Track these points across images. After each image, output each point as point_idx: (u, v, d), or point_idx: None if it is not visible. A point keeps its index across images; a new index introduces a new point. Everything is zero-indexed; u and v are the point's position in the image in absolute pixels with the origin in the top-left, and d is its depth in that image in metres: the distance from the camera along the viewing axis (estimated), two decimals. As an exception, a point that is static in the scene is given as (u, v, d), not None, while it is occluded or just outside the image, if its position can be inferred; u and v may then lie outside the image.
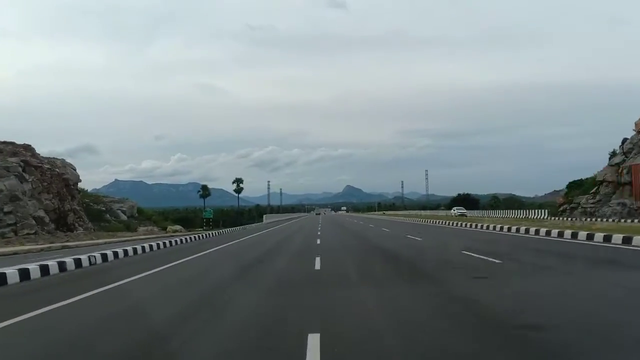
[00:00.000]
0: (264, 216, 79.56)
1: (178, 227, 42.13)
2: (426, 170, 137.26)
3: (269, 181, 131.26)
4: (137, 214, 43.81)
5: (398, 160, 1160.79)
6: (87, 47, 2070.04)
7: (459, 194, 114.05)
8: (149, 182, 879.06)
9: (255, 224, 65.72)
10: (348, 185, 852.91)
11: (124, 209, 41.78)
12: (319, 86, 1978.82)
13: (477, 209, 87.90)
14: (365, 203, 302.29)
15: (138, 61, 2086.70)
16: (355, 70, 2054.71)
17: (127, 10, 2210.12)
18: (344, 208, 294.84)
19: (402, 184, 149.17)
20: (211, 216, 43.83)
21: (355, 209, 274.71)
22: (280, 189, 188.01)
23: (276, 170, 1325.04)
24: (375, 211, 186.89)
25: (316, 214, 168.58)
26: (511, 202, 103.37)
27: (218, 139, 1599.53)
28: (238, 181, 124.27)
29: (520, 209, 68.69)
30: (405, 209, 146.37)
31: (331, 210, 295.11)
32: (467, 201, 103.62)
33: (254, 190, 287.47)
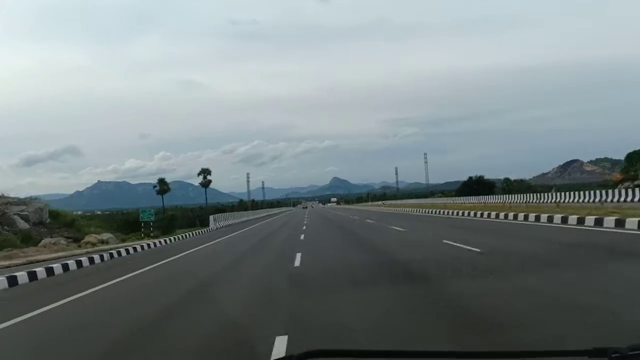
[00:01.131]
0: (211, 217, 47.02)
1: (107, 236, 29.89)
2: (425, 154, 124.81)
3: (248, 173, 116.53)
4: (48, 220, 31.45)
5: (384, 150, 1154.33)
6: (66, 47, 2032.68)
7: (470, 177, 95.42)
8: (133, 182, 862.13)
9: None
10: (335, 177, 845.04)
11: (27, 213, 29.40)
12: (303, 78, 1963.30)
13: (492, 194, 73.42)
14: (353, 194, 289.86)
15: (119, 60, 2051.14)
16: (339, 61, 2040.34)
17: (106, 8, 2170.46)
18: (334, 199, 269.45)
19: (396, 171, 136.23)
20: (152, 218, 31.44)
21: (345, 200, 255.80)
22: (262, 182, 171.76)
23: (262, 165, 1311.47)
24: (367, 202, 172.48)
25: (303, 208, 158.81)
26: (520, 186, 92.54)
27: (202, 135, 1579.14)
28: (204, 172, 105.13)
29: (535, 192, 57.27)
30: (395, 197, 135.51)
31: (319, 202, 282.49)
32: (480, 185, 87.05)
33: (240, 186, 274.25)
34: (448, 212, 37.13)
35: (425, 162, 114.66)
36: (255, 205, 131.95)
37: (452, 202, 67.51)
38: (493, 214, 27.87)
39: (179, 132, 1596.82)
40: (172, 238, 29.08)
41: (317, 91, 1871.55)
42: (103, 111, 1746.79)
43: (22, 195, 34.17)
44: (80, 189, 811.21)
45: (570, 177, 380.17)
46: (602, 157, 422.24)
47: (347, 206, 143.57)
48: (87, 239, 29.03)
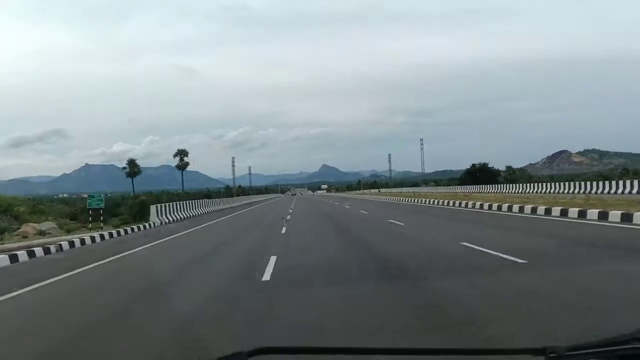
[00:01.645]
0: (153, 208, 31.34)
1: (48, 225, 24.89)
2: (421, 140, 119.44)
3: (233, 158, 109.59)
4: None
5: (375, 138, 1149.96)
6: (57, 29, 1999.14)
7: (473, 165, 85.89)
8: (120, 166, 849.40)
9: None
10: (324, 165, 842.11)
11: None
12: (295, 65, 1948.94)
13: (495, 182, 67.92)
14: (343, 182, 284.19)
15: (110, 43, 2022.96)
16: (331, 48, 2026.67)
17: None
18: (325, 187, 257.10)
19: (389, 158, 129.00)
20: (101, 205, 25.77)
21: (336, 188, 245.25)
22: (249, 167, 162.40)
23: (252, 151, 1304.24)
24: (358, 189, 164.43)
25: (291, 195, 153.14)
26: (522, 174, 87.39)
27: (192, 120, 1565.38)
28: (181, 154, 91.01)
29: (541, 182, 53.27)
30: (388, 186, 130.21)
31: (308, 190, 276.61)
32: (484, 173, 79.63)
33: (230, 172, 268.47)
34: (450, 203, 31.92)
35: (422, 149, 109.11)
36: (241, 191, 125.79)
37: (452, 191, 61.69)
38: (505, 205, 23.42)
39: (168, 117, 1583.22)
40: (126, 229, 23.90)
41: (308, 78, 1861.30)
42: (92, 94, 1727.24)
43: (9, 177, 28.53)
44: (68, 172, 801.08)
45: (559, 168, 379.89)
46: (590, 148, 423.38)
47: (338, 194, 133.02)
48: (23, 228, 24.15)
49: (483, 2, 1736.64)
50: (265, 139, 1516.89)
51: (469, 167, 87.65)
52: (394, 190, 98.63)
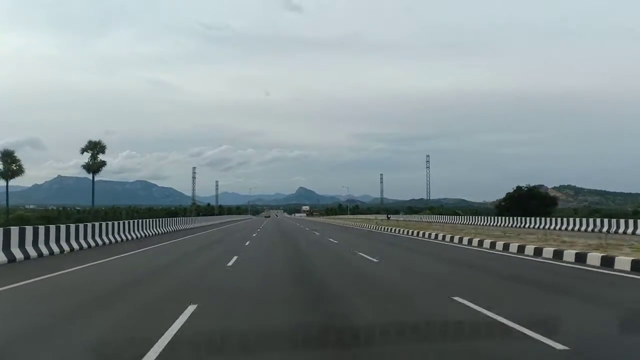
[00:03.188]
0: None
1: None
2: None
3: (194, 168, 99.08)
4: None
5: (352, 163, 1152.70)
6: (35, 38, 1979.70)
7: (519, 187, 66.46)
8: (96, 179, 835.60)
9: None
10: (301, 187, 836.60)
11: None
12: (275, 87, 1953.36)
13: (548, 214, 51.10)
14: (321, 205, 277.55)
15: (89, 54, 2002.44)
16: (311, 72, 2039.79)
17: (78, 1, 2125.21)
18: (306, 208, 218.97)
19: (381, 178, 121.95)
20: None
21: (320, 212, 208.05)
22: (216, 182, 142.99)
23: (229, 170, 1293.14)
24: (343, 214, 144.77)
25: (265, 217, 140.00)
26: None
27: (170, 136, 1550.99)
28: (94, 148, 66.66)
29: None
30: (379, 211, 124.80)
31: (283, 212, 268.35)
32: (535, 199, 61.55)
33: (207, 190, 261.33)
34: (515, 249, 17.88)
35: (428, 170, 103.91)
36: (208, 210, 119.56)
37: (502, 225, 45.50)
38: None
39: (146, 132, 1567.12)
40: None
41: (288, 100, 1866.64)
42: (68, 104, 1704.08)
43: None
44: (39, 183, 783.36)
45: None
46: (566, 184, 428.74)
47: (324, 220, 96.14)
48: None
49: (464, 37, 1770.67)
50: (243, 158, 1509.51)
51: (511, 192, 67.02)
52: (409, 217, 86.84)
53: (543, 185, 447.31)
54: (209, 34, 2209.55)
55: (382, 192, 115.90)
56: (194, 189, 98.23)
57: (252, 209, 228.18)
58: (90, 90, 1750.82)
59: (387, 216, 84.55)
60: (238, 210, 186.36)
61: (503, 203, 67.32)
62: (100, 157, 68.18)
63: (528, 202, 59.20)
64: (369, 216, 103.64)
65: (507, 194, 67.95)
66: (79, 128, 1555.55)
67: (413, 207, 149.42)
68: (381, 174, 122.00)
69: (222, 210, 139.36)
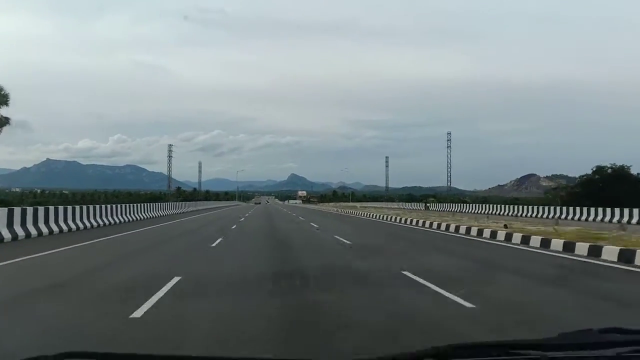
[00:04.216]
0: None
1: None
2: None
3: (170, 145, 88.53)
4: None
5: (345, 151, 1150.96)
6: (27, 19, 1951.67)
7: (599, 168, 50.32)
8: (84, 163, 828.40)
9: None
10: (293, 174, 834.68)
11: None
12: (269, 72, 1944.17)
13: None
14: (313, 192, 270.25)
15: (82, 36, 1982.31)
16: (306, 58, 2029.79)
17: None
18: (302, 193, 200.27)
19: (387, 161, 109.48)
20: None
21: (318, 197, 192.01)
22: (200, 163, 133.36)
23: (221, 156, 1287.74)
24: (339, 201, 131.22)
25: (255, 203, 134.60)
26: None
27: (161, 121, 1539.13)
28: None
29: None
30: (383, 199, 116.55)
31: (275, 198, 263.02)
32: (623, 183, 46.31)
33: (196, 175, 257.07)
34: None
35: (449, 157, 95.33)
36: (192, 195, 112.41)
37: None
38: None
39: (137, 116, 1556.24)
40: None
41: (281, 86, 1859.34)
42: (59, 87, 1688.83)
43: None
44: (28, 166, 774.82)
45: (527, 191, 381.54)
46: (558, 173, 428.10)
47: (325, 208, 76.72)
48: None
49: (458, 23, 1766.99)
50: (235, 144, 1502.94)
51: (587, 174, 51.89)
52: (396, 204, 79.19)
53: (535, 174, 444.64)
54: (203, 18, 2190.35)
55: (387, 177, 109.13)
56: (170, 170, 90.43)
57: (243, 195, 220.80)
58: (82, 73, 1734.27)
59: (426, 205, 72.37)
60: (227, 196, 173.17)
61: (577, 190, 51.93)
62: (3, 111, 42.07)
63: (613, 187, 45.59)
64: (375, 204, 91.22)
65: (580, 177, 53.32)
66: (69, 111, 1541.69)
67: (413, 195, 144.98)
68: (387, 157, 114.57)
69: (210, 196, 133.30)
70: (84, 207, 23.70)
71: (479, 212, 50.19)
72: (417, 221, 27.54)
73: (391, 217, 33.68)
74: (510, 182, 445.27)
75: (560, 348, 1.35)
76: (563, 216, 36.37)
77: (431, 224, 24.91)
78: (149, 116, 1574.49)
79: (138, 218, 31.40)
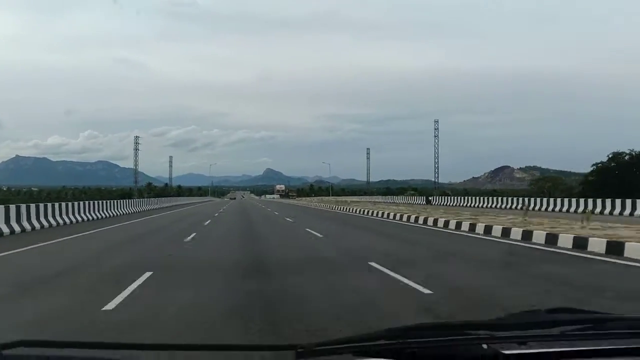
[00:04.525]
0: None
1: None
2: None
3: (136, 137, 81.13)
4: None
5: (320, 145, 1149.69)
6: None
7: (615, 154, 47.64)
8: (54, 160, 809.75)
9: None
10: (268, 168, 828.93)
11: None
12: (243, 66, 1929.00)
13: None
14: (289, 187, 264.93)
15: (52, 31, 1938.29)
16: (281, 51, 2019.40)
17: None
18: (280, 187, 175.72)
19: (368, 153, 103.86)
20: None
21: (297, 192, 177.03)
22: (170, 158, 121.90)
23: (194, 151, 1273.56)
24: (317, 195, 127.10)
25: (230, 199, 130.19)
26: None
27: (133, 116, 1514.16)
28: None
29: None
30: (366, 193, 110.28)
31: (251, 193, 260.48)
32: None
33: (169, 170, 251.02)
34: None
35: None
36: (163, 191, 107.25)
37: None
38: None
39: (108, 111, 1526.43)
40: None
41: (256, 80, 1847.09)
42: (29, 84, 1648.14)
43: None
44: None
45: (501, 183, 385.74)
46: (532, 165, 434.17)
47: (309, 204, 63.40)
48: None
49: (435, 16, 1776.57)
50: (208, 139, 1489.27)
51: (601, 162, 47.04)
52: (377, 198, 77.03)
53: (509, 166, 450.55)
54: (175, 11, 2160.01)
55: (368, 170, 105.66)
56: (136, 164, 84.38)
57: (218, 190, 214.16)
58: (52, 69, 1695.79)
59: (427, 199, 62.94)
60: (200, 191, 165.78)
61: (591, 177, 47.80)
62: None
63: (632, 174, 41.10)
64: (362, 198, 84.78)
65: (594, 165, 48.40)
66: (39, 107, 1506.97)
67: (391, 188, 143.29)
68: (368, 149, 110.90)
69: (182, 192, 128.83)
70: (41, 205, 21.57)
71: (488, 205, 43.98)
72: (458, 223, 18.81)
73: (407, 217, 24.69)
74: (485, 174, 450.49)
75: (509, 328, 1.40)
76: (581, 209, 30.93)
77: (487, 228, 16.49)
78: (121, 112, 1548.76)
79: (96, 217, 28.35)
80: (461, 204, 50.42)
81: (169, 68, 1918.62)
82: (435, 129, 74.77)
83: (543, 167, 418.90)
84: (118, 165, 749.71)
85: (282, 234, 18.39)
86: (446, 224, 19.72)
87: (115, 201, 33.75)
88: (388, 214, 28.19)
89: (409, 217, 24.64)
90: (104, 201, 31.09)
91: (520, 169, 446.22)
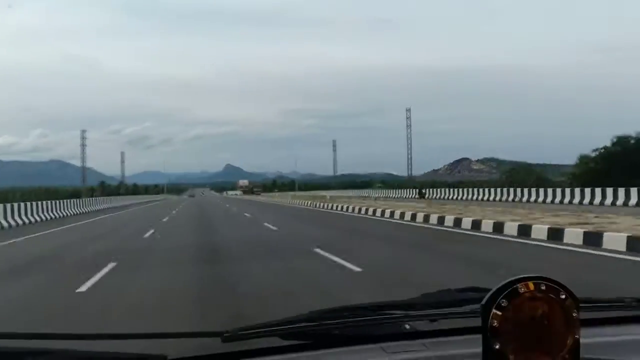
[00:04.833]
0: None
1: None
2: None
3: (83, 131, 76.11)
4: None
5: (280, 140, 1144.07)
6: None
7: (620, 137, 42.77)
8: (4, 160, 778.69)
9: None
10: (228, 164, 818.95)
11: None
12: (199, 61, 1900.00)
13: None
14: (252, 182, 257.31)
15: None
16: (239, 47, 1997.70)
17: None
18: (244, 182, 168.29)
19: (334, 144, 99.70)
20: None
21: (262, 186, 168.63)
22: (122, 153, 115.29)
23: (151, 148, 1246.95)
24: (281, 190, 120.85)
25: (189, 196, 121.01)
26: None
27: (87, 113, 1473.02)
28: None
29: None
30: (329, 187, 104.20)
31: (211, 190, 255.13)
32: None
33: (127, 168, 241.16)
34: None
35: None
36: (117, 189, 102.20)
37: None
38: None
39: (61, 109, 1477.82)
40: None
41: (212, 76, 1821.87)
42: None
43: None
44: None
45: (460, 175, 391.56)
46: (489, 157, 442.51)
47: (277, 199, 65.31)
48: None
49: (393, 12, 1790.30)
50: (166, 136, 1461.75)
51: (612, 142, 42.50)
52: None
53: (467, 158, 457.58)
54: (128, 6, 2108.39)
55: (335, 161, 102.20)
56: (83, 161, 79.90)
57: (176, 187, 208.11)
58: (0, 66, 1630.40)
59: (421, 192, 54.12)
60: (156, 189, 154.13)
61: (592, 165, 42.73)
62: None
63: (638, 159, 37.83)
64: (339, 192, 76.46)
65: (596, 150, 43.46)
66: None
67: (356, 182, 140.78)
68: (334, 140, 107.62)
69: (138, 190, 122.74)
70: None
71: (498, 198, 38.26)
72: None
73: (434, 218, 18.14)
74: (444, 166, 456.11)
75: (422, 307, 1.49)
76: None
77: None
78: (74, 109, 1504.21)
79: (31, 221, 25.57)
80: (457, 197, 45.31)
81: (122, 64, 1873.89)
82: (407, 117, 73.12)
83: (500, 158, 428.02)
84: (72, 164, 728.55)
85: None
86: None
87: (46, 203, 29.36)
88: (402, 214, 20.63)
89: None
90: (35, 203, 27.67)
91: (478, 160, 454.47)
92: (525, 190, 36.95)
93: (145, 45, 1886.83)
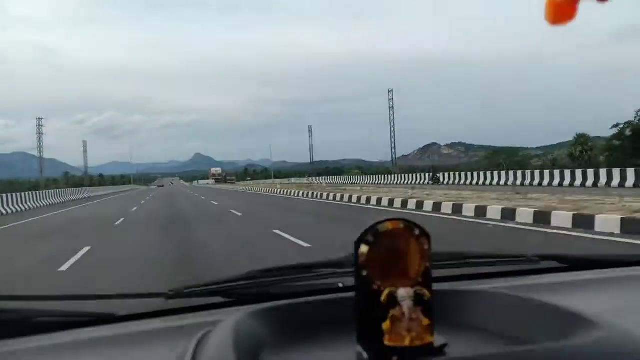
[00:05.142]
0: None
1: None
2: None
3: (39, 119, 71.21)
4: None
5: (250, 128, 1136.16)
6: None
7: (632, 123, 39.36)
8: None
9: None
10: (197, 154, 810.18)
11: None
12: (166, 49, 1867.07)
13: None
14: (226, 171, 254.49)
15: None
16: (203, 34, 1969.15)
17: None
18: (217, 171, 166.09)
19: (310, 131, 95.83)
20: None
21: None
22: (84, 142, 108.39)
23: (117, 138, 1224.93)
24: (254, 179, 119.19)
25: (158, 186, 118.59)
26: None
27: (51, 104, 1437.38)
28: None
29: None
30: (305, 174, 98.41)
31: (180, 180, 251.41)
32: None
33: (95, 159, 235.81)
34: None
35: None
36: (82, 181, 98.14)
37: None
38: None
39: (24, 100, 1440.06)
40: None
41: (180, 64, 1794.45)
42: None
43: None
44: None
45: (430, 160, 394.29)
46: (457, 141, 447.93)
47: (258, 186, 59.79)
48: None
49: (361, 3, 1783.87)
50: (132, 125, 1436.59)
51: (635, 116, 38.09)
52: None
53: (436, 143, 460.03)
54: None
55: (311, 148, 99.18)
56: (40, 150, 75.14)
57: (144, 178, 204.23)
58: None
59: (435, 176, 46.13)
60: (123, 179, 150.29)
61: (617, 142, 39.26)
62: None
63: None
64: (316, 179, 71.77)
65: (615, 127, 39.83)
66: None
67: (330, 168, 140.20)
68: (310, 126, 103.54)
69: (104, 181, 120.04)
70: None
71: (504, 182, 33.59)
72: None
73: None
74: (414, 151, 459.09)
75: (349, 265, 1.36)
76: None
77: None
78: (37, 99, 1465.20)
79: None
80: (455, 182, 40.48)
81: (87, 53, 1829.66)
82: (389, 99, 71.60)
83: (467, 142, 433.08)
84: (36, 156, 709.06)
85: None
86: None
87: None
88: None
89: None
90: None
91: (447, 145, 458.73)
92: (536, 173, 32.65)
93: (112, 34, 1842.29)
